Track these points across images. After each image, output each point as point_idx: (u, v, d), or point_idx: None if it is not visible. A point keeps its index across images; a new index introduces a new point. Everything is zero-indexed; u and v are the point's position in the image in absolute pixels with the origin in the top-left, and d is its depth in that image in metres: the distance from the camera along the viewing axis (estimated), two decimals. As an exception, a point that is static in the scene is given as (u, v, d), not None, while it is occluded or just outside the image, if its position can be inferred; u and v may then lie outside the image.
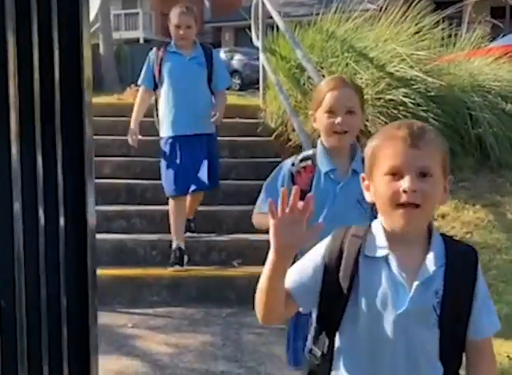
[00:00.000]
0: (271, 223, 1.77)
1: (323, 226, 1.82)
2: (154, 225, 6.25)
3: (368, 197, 1.94)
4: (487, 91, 7.31)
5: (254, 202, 6.36)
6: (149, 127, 8.04)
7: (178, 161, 5.54)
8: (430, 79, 6.84)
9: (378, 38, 7.48)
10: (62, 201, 1.86)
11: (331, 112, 2.87)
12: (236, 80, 23.76)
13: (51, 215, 1.85)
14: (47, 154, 1.83)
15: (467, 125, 6.97)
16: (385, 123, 6.50)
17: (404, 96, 6.67)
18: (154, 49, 5.69)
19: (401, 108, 6.64)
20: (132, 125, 5.80)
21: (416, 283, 1.80)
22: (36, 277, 1.83)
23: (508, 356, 4.10)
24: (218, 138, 7.73)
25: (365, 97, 6.79)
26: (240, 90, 20.96)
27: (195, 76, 5.58)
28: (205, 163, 5.54)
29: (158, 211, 6.32)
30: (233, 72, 24.22)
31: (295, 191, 1.75)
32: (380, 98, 6.82)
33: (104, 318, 4.87)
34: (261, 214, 2.95)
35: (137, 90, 11.47)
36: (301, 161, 2.97)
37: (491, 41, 9.41)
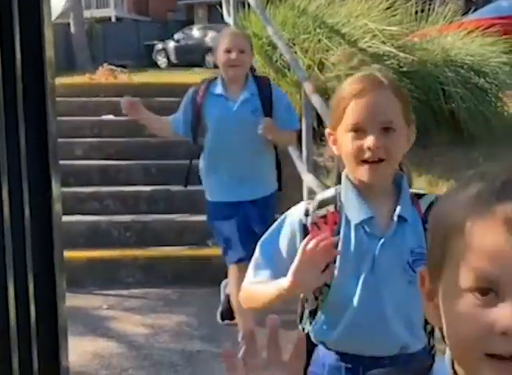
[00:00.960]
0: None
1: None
2: (128, 206, 6.22)
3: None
4: (459, 66, 7.34)
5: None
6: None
7: (230, 226, 4.22)
8: (402, 54, 6.86)
9: (349, 14, 7.46)
10: (26, 184, 1.83)
11: (358, 130, 1.83)
12: (210, 58, 23.64)
13: (16, 198, 1.83)
14: (9, 137, 1.80)
15: (440, 100, 6.99)
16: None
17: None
18: (194, 89, 4.22)
19: (374, 84, 6.63)
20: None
21: None
22: (2, 260, 1.81)
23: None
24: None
25: (338, 74, 6.86)
26: (214, 68, 20.93)
27: (247, 128, 4.04)
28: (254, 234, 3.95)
29: (132, 192, 6.30)
30: (207, 49, 24.12)
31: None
32: (353, 74, 6.81)
33: (80, 300, 4.86)
34: (254, 284, 1.95)
35: (111, 69, 11.46)
36: (319, 207, 1.93)
37: (463, 14, 9.42)
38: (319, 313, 1.92)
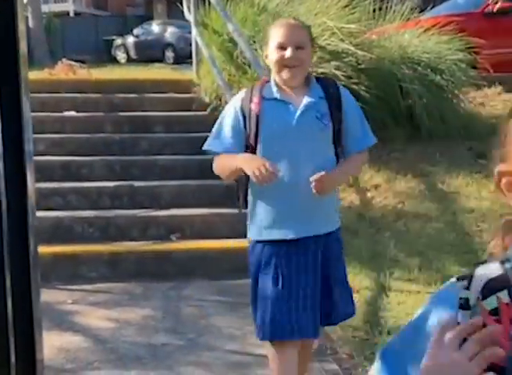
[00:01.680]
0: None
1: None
2: (91, 202, 6.25)
3: None
4: (416, 63, 7.47)
5: (189, 177, 6.47)
6: (83, 103, 8.02)
7: (280, 283, 3.02)
8: (360, 52, 6.96)
9: (309, 12, 7.55)
10: (3, 180, 1.89)
11: None
12: (170, 54, 23.65)
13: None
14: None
15: (397, 97, 7.13)
16: (318, 96, 6.61)
17: (336, 69, 6.77)
18: (242, 95, 3.15)
19: (333, 81, 6.73)
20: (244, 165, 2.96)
21: None
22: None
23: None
24: (153, 114, 7.80)
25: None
26: (174, 63, 20.94)
27: (312, 139, 3.04)
28: (328, 284, 3.10)
29: (94, 187, 6.34)
30: (167, 45, 24.10)
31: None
32: (312, 72, 6.91)
33: (44, 295, 4.83)
34: None
35: (70, 64, 11.43)
36: (485, 294, 1.13)
37: (420, 12, 9.55)
38: None
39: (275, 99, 3.05)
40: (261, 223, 3.08)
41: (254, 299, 3.09)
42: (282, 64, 3.02)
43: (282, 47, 3.02)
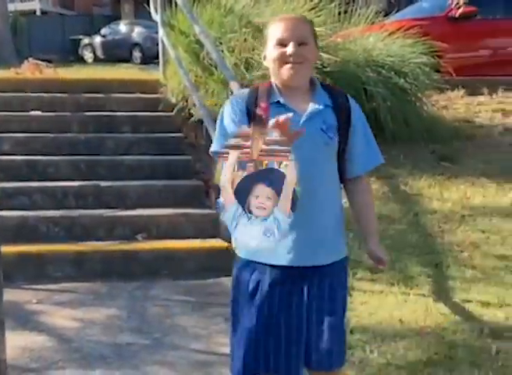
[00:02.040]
0: None
1: None
2: (56, 201, 6.24)
3: None
4: (381, 66, 7.56)
5: (155, 177, 6.49)
6: (50, 103, 8.00)
7: (270, 315, 2.62)
8: (325, 55, 7.01)
9: (275, 14, 7.58)
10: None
11: None
12: (137, 54, 23.60)
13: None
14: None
15: (362, 100, 7.19)
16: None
17: (302, 71, 6.82)
18: (244, 96, 2.71)
19: (299, 83, 6.79)
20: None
21: None
22: None
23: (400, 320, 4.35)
24: (119, 114, 7.81)
25: (264, 73, 7.01)
26: (141, 63, 20.89)
27: (316, 151, 2.62)
28: (325, 322, 2.66)
29: (60, 187, 6.33)
30: (134, 45, 24.04)
31: None
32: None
33: (9, 295, 4.85)
34: None
35: (36, 64, 11.36)
36: None
37: (385, 15, 9.66)
38: None
39: (278, 102, 2.63)
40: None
41: (232, 328, 2.72)
42: (283, 61, 2.61)
43: (282, 43, 2.62)
